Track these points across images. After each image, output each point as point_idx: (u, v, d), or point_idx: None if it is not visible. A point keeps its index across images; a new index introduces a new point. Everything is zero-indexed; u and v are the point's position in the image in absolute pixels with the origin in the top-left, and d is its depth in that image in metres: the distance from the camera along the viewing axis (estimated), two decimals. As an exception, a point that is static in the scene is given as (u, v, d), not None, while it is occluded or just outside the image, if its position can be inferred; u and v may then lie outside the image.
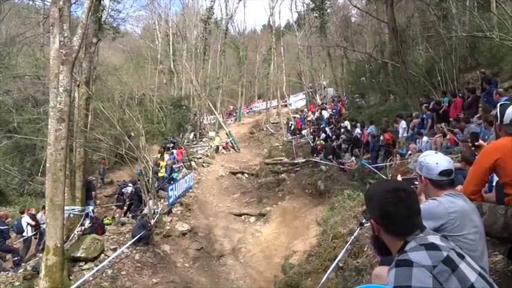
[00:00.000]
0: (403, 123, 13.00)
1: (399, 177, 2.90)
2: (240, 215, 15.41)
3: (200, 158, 22.82)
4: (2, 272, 9.54)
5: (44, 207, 11.27)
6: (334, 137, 18.01)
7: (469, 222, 2.03)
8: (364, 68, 25.13)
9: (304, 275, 8.29)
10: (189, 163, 20.67)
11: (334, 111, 24.81)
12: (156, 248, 11.55)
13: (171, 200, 14.56)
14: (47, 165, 9.88)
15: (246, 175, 20.61)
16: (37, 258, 10.19)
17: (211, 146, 25.23)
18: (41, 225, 11.48)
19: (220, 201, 17.17)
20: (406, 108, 15.31)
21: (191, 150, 23.57)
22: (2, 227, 10.43)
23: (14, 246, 11.16)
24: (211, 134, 27.81)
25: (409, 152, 10.74)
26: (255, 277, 10.43)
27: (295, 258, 10.14)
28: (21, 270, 9.47)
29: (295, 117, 29.55)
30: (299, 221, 13.03)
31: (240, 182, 19.86)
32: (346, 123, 19.13)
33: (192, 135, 28.12)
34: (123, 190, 15.62)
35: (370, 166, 12.69)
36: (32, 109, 20.79)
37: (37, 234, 11.68)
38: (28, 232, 11.52)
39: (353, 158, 14.66)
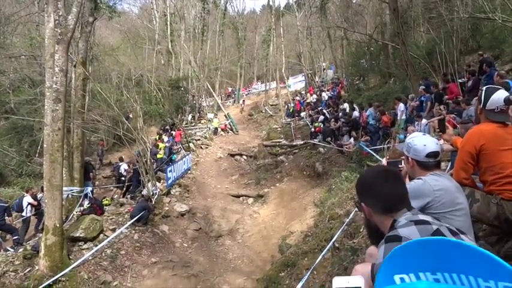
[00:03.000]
0: (401, 106, 12.95)
1: (384, 161, 2.92)
2: (238, 197, 15.51)
3: (199, 139, 22.80)
4: (2, 252, 9.64)
5: (42, 188, 11.33)
6: (332, 119, 17.95)
7: (454, 199, 2.05)
8: (364, 50, 24.81)
9: (300, 255, 8.39)
10: (187, 145, 20.67)
11: (333, 93, 24.66)
12: (154, 228, 11.66)
13: (169, 181, 14.62)
14: (44, 146, 9.87)
15: (245, 157, 20.64)
16: (37, 238, 10.30)
17: (209, 128, 25.17)
18: (42, 206, 11.53)
19: (219, 182, 17.24)
20: (406, 91, 15.20)
21: (189, 132, 23.53)
22: (2, 204, 10.47)
23: (14, 226, 11.25)
24: (210, 115, 27.70)
25: (408, 134, 10.73)
26: (253, 257, 10.57)
27: (292, 239, 10.25)
28: (21, 250, 9.55)
29: (294, 100, 29.38)
30: (297, 203, 13.13)
31: (238, 164, 19.90)
32: (345, 105, 19.04)
33: (190, 117, 28.01)
34: (118, 169, 15.69)
35: (367, 148, 12.70)
36: (29, 90, 20.61)
37: (37, 214, 11.73)
38: (27, 212, 11.57)
39: (351, 140, 14.65)
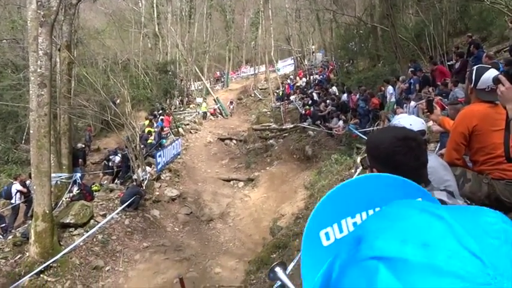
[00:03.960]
0: (390, 89, 13.01)
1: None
2: (229, 181, 15.55)
3: (188, 124, 22.65)
4: (-9, 239, 9.55)
5: (30, 175, 11.18)
6: (322, 102, 17.98)
7: (441, 177, 2.05)
8: (353, 33, 24.74)
9: (291, 237, 8.50)
10: (176, 130, 20.51)
11: (322, 76, 24.63)
12: (145, 213, 11.65)
13: (159, 166, 14.55)
14: (31, 131, 9.70)
15: (234, 141, 20.63)
16: (26, 225, 10.19)
17: (198, 112, 25.01)
18: (31, 193, 11.39)
19: (209, 167, 17.23)
20: (395, 74, 15.27)
21: (178, 116, 23.33)
22: None
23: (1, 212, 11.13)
24: (199, 100, 27.48)
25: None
26: (244, 240, 10.67)
27: (283, 221, 10.36)
28: (10, 237, 9.48)
29: (283, 83, 29.28)
30: (287, 186, 13.23)
31: (228, 148, 19.90)
32: (334, 88, 19.07)
33: (178, 101, 27.74)
34: (110, 157, 15.50)
35: (356, 131, 12.78)
36: (12, 75, 20.05)
37: (26, 201, 11.60)
38: (17, 199, 11.44)
39: (340, 123, 14.72)
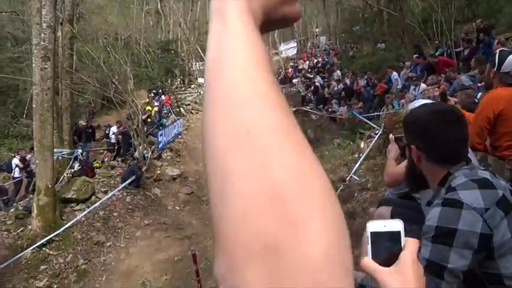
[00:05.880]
0: (395, 74, 12.91)
1: (391, 136, 2.84)
2: (230, 161, 15.54)
3: (189, 104, 22.48)
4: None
5: (32, 149, 11.15)
6: (325, 86, 17.86)
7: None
8: (359, 16, 24.39)
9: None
10: (178, 109, 20.39)
11: (326, 60, 24.39)
12: (146, 191, 11.68)
13: (160, 145, 14.51)
14: (34, 105, 9.62)
15: (236, 122, 20.52)
16: (28, 199, 10.22)
17: (200, 93, 24.79)
18: (31, 167, 11.38)
19: (210, 148, 17.18)
20: (399, 59, 15.11)
21: (180, 96, 23.15)
22: None
23: (3, 185, 11.14)
24: (200, 80, 27.20)
25: (402, 103, 10.72)
26: (245, 220, 10.73)
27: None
28: (12, 210, 9.50)
29: (286, 66, 29.01)
30: (288, 169, 13.23)
31: (229, 129, 19.81)
32: (339, 72, 18.90)
33: (179, 81, 27.50)
34: (107, 132, 15.54)
35: (360, 116, 12.72)
36: (12, 48, 19.79)
37: (28, 175, 11.60)
38: (16, 173, 11.43)
39: (344, 108, 14.65)
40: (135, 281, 7.81)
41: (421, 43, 15.66)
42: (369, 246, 0.84)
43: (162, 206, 11.35)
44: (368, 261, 0.83)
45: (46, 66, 9.35)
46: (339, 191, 7.77)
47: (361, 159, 8.98)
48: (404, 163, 2.18)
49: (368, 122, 11.80)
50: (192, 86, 27.32)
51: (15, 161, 11.51)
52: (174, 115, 19.27)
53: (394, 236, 0.84)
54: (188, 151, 16.14)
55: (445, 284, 1.18)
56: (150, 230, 9.92)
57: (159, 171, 13.10)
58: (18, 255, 7.77)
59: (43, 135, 9.17)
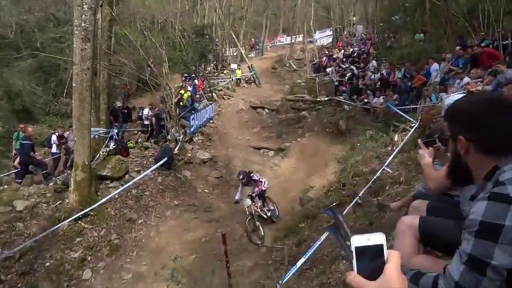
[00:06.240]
0: (435, 66, 12.38)
1: (419, 141, 2.70)
2: (259, 149, 15.59)
3: (221, 90, 22.66)
4: (34, 185, 10.07)
5: (70, 127, 11.61)
6: (360, 77, 17.44)
7: None
8: (399, 5, 23.45)
9: (321, 208, 8.48)
10: (210, 94, 20.59)
11: (362, 49, 23.76)
12: (177, 173, 11.94)
13: (192, 129, 14.77)
14: (73, 85, 9.96)
15: (267, 110, 20.50)
16: (66, 174, 10.68)
17: (232, 79, 24.88)
18: (68, 144, 11.85)
19: (240, 134, 17.31)
20: (440, 51, 14.46)
21: (212, 81, 23.32)
22: (25, 142, 10.79)
23: (43, 160, 11.66)
24: (233, 66, 27.25)
25: (441, 96, 10.29)
26: (272, 207, 10.77)
27: (313, 193, 10.35)
28: (51, 184, 9.96)
29: (320, 54, 28.51)
30: (318, 158, 13.13)
31: (260, 117, 19.83)
32: (374, 62, 18.39)
33: (213, 66, 27.65)
34: (140, 114, 15.92)
35: (395, 108, 12.35)
36: (54, 29, 20.51)
37: (66, 152, 12.09)
38: (53, 149, 11.93)
39: (378, 99, 14.26)
40: (164, 258, 8.06)
41: (464, 35, 14.91)
42: (354, 261, 0.85)
43: (192, 188, 11.59)
44: (354, 275, 0.84)
45: (86, 47, 9.62)
46: (370, 183, 7.63)
47: (394, 152, 8.75)
48: (444, 168, 2.10)
49: (403, 114, 11.45)
50: (225, 72, 27.43)
51: (53, 137, 12.03)
52: (206, 100, 19.47)
53: (378, 250, 0.84)
54: (219, 136, 16.32)
55: (487, 281, 1.13)
56: (179, 210, 10.16)
57: (190, 154, 13.34)
58: (56, 227, 8.17)
59: (81, 113, 9.51)
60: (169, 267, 7.69)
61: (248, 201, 8.95)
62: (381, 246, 0.84)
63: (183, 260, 8.07)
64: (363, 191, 7.39)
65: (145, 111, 15.53)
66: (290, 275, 5.76)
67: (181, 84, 20.17)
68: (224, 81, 24.48)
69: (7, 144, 13.51)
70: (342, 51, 26.03)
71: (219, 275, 7.29)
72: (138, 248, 8.64)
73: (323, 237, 6.06)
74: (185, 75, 21.85)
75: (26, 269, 7.32)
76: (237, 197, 9.49)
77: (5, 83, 18.89)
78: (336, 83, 19.27)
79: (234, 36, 31.11)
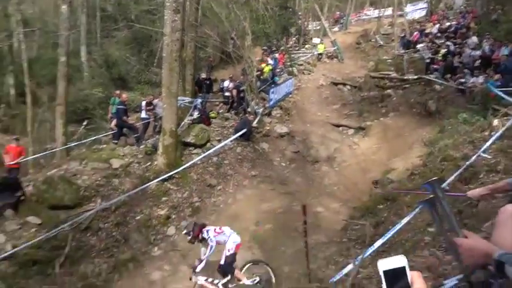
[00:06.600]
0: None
1: None
2: (338, 126, 15.17)
3: (301, 64, 22.28)
4: (128, 146, 11.05)
5: (159, 95, 12.38)
6: (457, 54, 15.85)
7: None
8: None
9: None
10: (290, 69, 20.40)
11: (461, 24, 21.48)
12: (255, 145, 12.19)
13: (271, 103, 14.84)
14: (163, 55, 10.51)
15: (348, 87, 19.72)
16: (154, 138, 11.51)
17: (313, 53, 24.31)
18: (156, 111, 12.69)
19: (319, 110, 16.98)
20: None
21: (293, 55, 23.03)
22: (120, 107, 11.76)
23: (135, 124, 12.68)
24: (315, 40, 26.53)
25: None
26: (349, 186, 10.53)
27: (394, 175, 9.86)
28: (142, 146, 10.84)
29: (411, 28, 26.41)
30: (401, 140, 12.41)
31: (340, 94, 19.18)
32: (475, 38, 16.54)
33: (294, 40, 27.22)
34: (221, 86, 16.37)
35: (497, 90, 11.06)
36: (147, 1, 21.74)
37: (155, 119, 12.98)
38: (143, 114, 12.86)
39: (477, 79, 12.89)
40: (241, 224, 8.37)
41: None
42: (384, 285, 0.87)
43: (269, 161, 11.77)
44: None
45: (176, 18, 10.05)
46: (461, 169, 7.02)
47: (493, 138, 7.91)
48: None
49: (506, 97, 10.23)
50: (306, 46, 26.86)
51: (143, 104, 12.98)
52: (286, 74, 19.35)
53: (402, 272, 0.87)
54: (297, 111, 16.20)
55: None
56: (256, 180, 10.43)
57: (268, 127, 13.49)
58: (146, 185, 8.93)
59: (170, 82, 10.07)
60: (245, 234, 7.98)
61: (197, 278, 5.87)
62: (404, 268, 0.87)
63: (257, 229, 8.33)
64: (452, 178, 6.83)
65: (226, 83, 15.91)
66: (367, 255, 5.63)
67: (262, 57, 20.23)
68: (305, 55, 24.00)
69: (106, 108, 14.88)
70: (437, 25, 23.79)
71: (292, 247, 7.41)
72: (217, 212, 9.11)
73: (405, 219, 5.77)
74: (265, 48, 21.85)
75: (120, 220, 8.17)
76: (196, 262, 5.98)
77: (105, 53, 20.69)
78: (427, 61, 17.77)
79: (317, 9, 30.13)
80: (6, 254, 6.80)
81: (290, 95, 17.29)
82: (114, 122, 12.11)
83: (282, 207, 9.21)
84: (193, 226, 5.99)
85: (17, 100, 19.43)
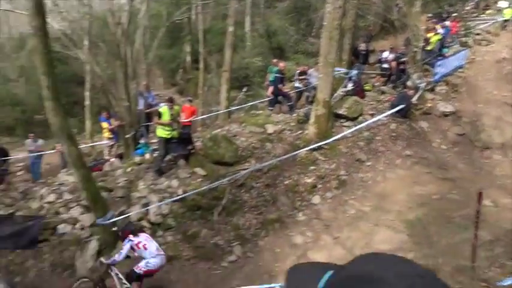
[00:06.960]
0: None
1: None
2: (520, 108, 12.66)
3: (479, 34, 19.03)
4: (281, 113, 11.56)
5: (314, 65, 12.43)
6: None
7: None
8: None
9: None
10: (464, 38, 17.71)
11: None
12: (413, 122, 11.20)
13: (436, 77, 13.26)
14: (324, 23, 10.36)
15: (540, 62, 16.11)
16: (307, 108, 11.70)
17: (497, 20, 20.46)
18: (310, 80, 12.80)
19: (496, 88, 14.38)
20: None
21: (469, 23, 19.86)
22: (277, 75, 12.21)
23: (289, 93, 13.14)
24: (502, 4, 22.18)
25: None
26: (527, 181, 8.83)
27: None
28: (295, 115, 11.17)
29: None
30: None
31: (528, 70, 15.84)
32: None
33: (474, 4, 23.36)
34: (379, 57, 15.33)
35: None
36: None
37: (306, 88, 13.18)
38: (296, 83, 13.12)
39: None
40: (388, 204, 7.98)
41: None
42: None
43: (427, 141, 10.71)
44: None
45: (340, -17, 9.69)
46: None
47: None
48: None
49: None
50: (488, 12, 22.76)
51: (296, 73, 13.23)
52: (458, 45, 16.91)
53: None
54: (467, 88, 14.09)
55: None
56: (410, 161, 9.67)
57: (429, 105, 12.17)
58: (296, 152, 9.25)
59: (329, 51, 9.91)
60: (394, 215, 7.58)
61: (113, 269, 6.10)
62: None
63: (407, 213, 7.77)
64: None
65: (385, 54, 14.87)
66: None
67: (428, 26, 18.04)
68: (485, 23, 20.41)
69: (264, 76, 15.75)
70: None
71: (447, 238, 6.70)
72: (364, 188, 8.84)
73: None
74: (430, 15, 19.37)
75: (270, 182, 8.73)
76: (116, 256, 6.07)
77: (266, 23, 21.67)
78: None
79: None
80: (178, 198, 8.10)
81: (460, 69, 15.11)
82: (270, 89, 12.73)
83: (438, 194, 8.34)
84: (124, 226, 6.32)
85: (192, 66, 22.28)
